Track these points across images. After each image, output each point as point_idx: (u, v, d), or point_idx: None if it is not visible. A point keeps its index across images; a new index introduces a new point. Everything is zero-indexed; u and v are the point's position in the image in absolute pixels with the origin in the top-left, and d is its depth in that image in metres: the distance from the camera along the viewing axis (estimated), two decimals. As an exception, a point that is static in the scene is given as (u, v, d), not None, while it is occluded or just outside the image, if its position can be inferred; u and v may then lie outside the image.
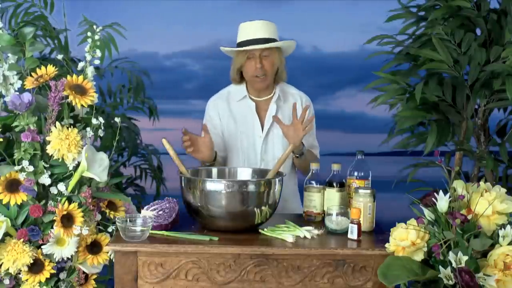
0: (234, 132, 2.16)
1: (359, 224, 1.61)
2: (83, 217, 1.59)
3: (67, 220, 1.57)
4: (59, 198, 1.61)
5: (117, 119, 1.76)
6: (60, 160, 1.62)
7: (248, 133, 2.16)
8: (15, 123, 1.63)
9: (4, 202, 1.56)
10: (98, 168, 1.65)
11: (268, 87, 2.17)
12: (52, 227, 1.57)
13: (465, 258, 1.33)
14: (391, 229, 1.50)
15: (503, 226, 1.41)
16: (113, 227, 1.69)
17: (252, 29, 2.08)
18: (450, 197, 1.44)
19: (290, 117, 2.13)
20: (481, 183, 1.52)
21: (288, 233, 1.62)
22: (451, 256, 1.35)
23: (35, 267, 1.57)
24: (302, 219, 1.85)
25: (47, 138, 1.61)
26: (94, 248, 1.66)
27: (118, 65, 3.28)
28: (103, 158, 1.68)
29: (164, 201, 1.77)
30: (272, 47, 2.07)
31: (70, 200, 1.62)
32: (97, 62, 1.78)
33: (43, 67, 1.70)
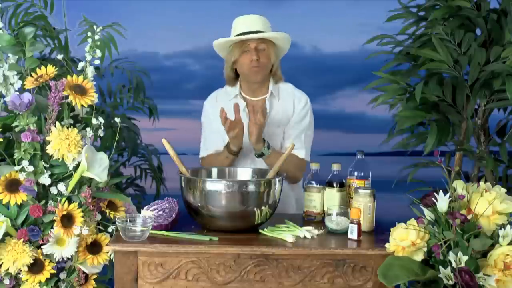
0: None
1: (359, 224, 1.61)
2: (83, 217, 1.59)
3: (67, 220, 1.57)
4: (59, 198, 1.61)
5: (117, 119, 1.76)
6: (60, 160, 1.62)
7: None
8: (15, 123, 1.63)
9: (4, 202, 1.56)
10: (98, 168, 1.65)
11: (264, 85, 2.14)
12: (52, 227, 1.57)
13: (465, 258, 1.33)
14: (391, 229, 1.50)
15: (503, 226, 1.41)
16: (113, 227, 1.69)
17: (247, 22, 2.05)
18: (450, 197, 1.44)
19: (283, 115, 2.12)
20: (481, 183, 1.52)
21: (288, 233, 1.62)
22: (451, 256, 1.35)
23: (35, 267, 1.56)
24: (302, 219, 1.85)
25: (47, 138, 1.61)
26: (94, 248, 1.66)
27: (118, 65, 3.28)
28: (103, 158, 1.68)
29: (164, 201, 1.77)
30: (269, 39, 2.03)
31: (70, 200, 1.62)
32: (97, 62, 1.78)
33: (43, 67, 1.70)
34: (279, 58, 2.16)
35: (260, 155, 1.99)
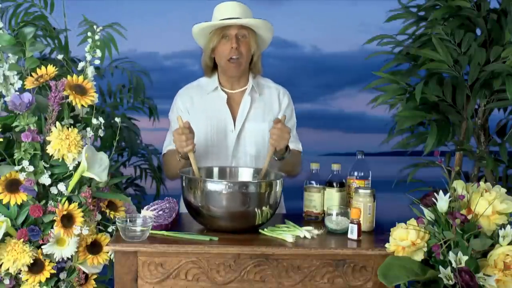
0: (203, 127, 2.03)
1: (359, 224, 1.61)
2: (83, 217, 1.59)
3: (67, 220, 1.57)
4: (59, 198, 1.61)
5: (117, 119, 1.76)
6: (60, 160, 1.62)
7: (219, 127, 2.05)
8: (15, 123, 1.63)
9: (4, 202, 1.56)
10: (98, 168, 1.65)
11: (242, 77, 2.08)
12: (52, 227, 1.57)
13: (465, 258, 1.33)
14: (391, 229, 1.50)
15: (503, 226, 1.41)
16: (113, 227, 1.69)
17: (229, 8, 2.00)
18: (450, 197, 1.44)
19: (265, 111, 2.08)
20: (481, 183, 1.52)
21: (288, 233, 1.62)
22: (451, 256, 1.35)
23: (35, 267, 1.56)
24: (302, 219, 1.85)
25: (47, 138, 1.61)
26: (94, 248, 1.66)
27: (118, 65, 3.28)
28: (103, 158, 1.68)
29: (164, 201, 1.77)
30: (250, 27, 1.98)
31: (70, 200, 1.62)
32: (97, 62, 1.78)
33: (43, 67, 1.70)
34: (261, 50, 2.10)
35: (281, 159, 1.91)
